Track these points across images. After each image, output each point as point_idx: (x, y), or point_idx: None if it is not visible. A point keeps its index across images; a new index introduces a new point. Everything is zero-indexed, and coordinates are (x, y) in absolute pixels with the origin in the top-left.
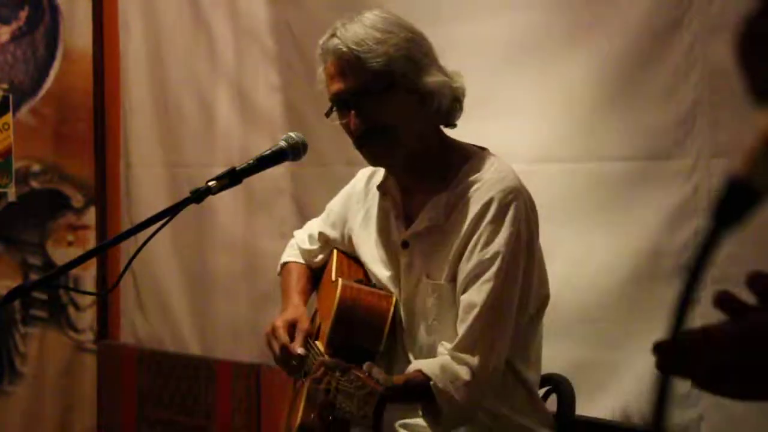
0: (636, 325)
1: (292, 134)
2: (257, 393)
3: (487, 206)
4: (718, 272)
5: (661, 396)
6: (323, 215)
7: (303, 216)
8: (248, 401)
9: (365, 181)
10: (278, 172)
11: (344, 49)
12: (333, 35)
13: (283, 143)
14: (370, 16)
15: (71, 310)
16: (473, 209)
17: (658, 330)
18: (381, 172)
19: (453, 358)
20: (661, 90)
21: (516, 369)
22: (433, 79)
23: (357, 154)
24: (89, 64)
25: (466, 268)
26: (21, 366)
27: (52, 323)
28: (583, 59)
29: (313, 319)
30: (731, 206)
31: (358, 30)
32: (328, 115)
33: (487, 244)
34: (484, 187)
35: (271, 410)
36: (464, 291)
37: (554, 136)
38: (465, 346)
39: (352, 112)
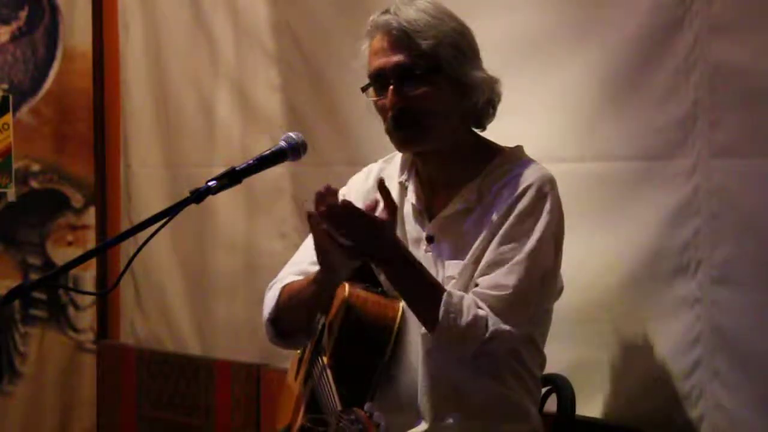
0: (636, 325)
1: (292, 134)
2: (257, 393)
3: (525, 190)
4: (717, 272)
5: None
6: (300, 258)
7: (303, 216)
8: (248, 401)
9: (371, 177)
10: (278, 172)
11: (395, 25)
12: (386, 12)
13: (283, 143)
14: (423, 3)
15: (71, 310)
16: (510, 193)
17: (659, 330)
18: (388, 169)
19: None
20: (662, 90)
21: (522, 358)
22: (476, 73)
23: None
24: (89, 64)
25: (496, 249)
26: (21, 366)
27: (52, 323)
28: (583, 59)
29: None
30: None
31: (411, 12)
32: (364, 90)
33: (523, 228)
34: (522, 174)
35: (271, 410)
36: (490, 270)
37: (554, 136)
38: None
39: (391, 87)
